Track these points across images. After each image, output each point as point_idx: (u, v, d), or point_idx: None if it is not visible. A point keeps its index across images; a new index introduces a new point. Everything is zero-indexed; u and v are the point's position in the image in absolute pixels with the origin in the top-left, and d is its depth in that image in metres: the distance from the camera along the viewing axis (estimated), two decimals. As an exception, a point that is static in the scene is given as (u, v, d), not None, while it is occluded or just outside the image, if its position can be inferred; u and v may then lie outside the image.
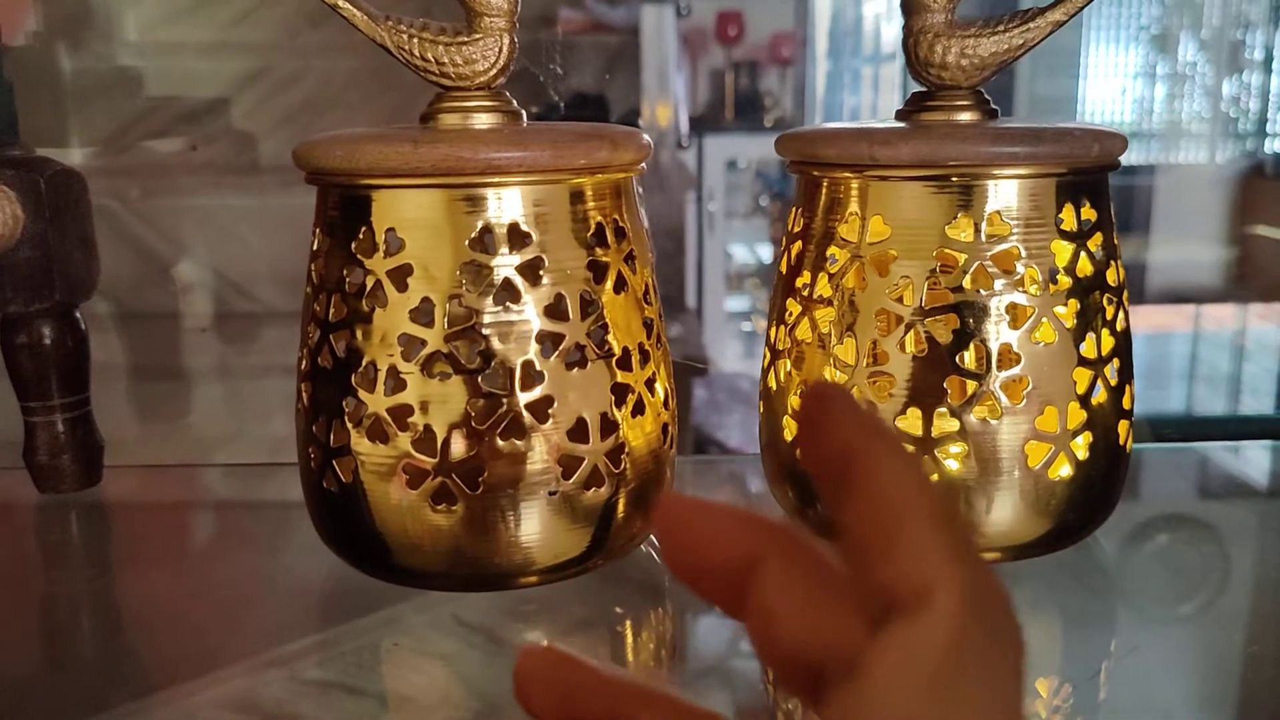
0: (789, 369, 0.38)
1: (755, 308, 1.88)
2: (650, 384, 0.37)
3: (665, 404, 0.38)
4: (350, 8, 0.36)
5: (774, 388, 0.39)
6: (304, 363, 0.36)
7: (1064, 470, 0.36)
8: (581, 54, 1.73)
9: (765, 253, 1.91)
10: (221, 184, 1.27)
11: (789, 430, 0.38)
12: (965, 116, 0.37)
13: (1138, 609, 0.38)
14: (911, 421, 0.35)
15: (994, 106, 0.38)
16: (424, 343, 0.33)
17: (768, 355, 0.40)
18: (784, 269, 0.39)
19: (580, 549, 0.36)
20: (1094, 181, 0.36)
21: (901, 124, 0.37)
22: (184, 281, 1.24)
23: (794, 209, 0.39)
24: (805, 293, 0.37)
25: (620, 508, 0.36)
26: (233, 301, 1.15)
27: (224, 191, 1.20)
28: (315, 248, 0.36)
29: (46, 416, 0.45)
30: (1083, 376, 0.35)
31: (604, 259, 0.35)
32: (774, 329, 0.39)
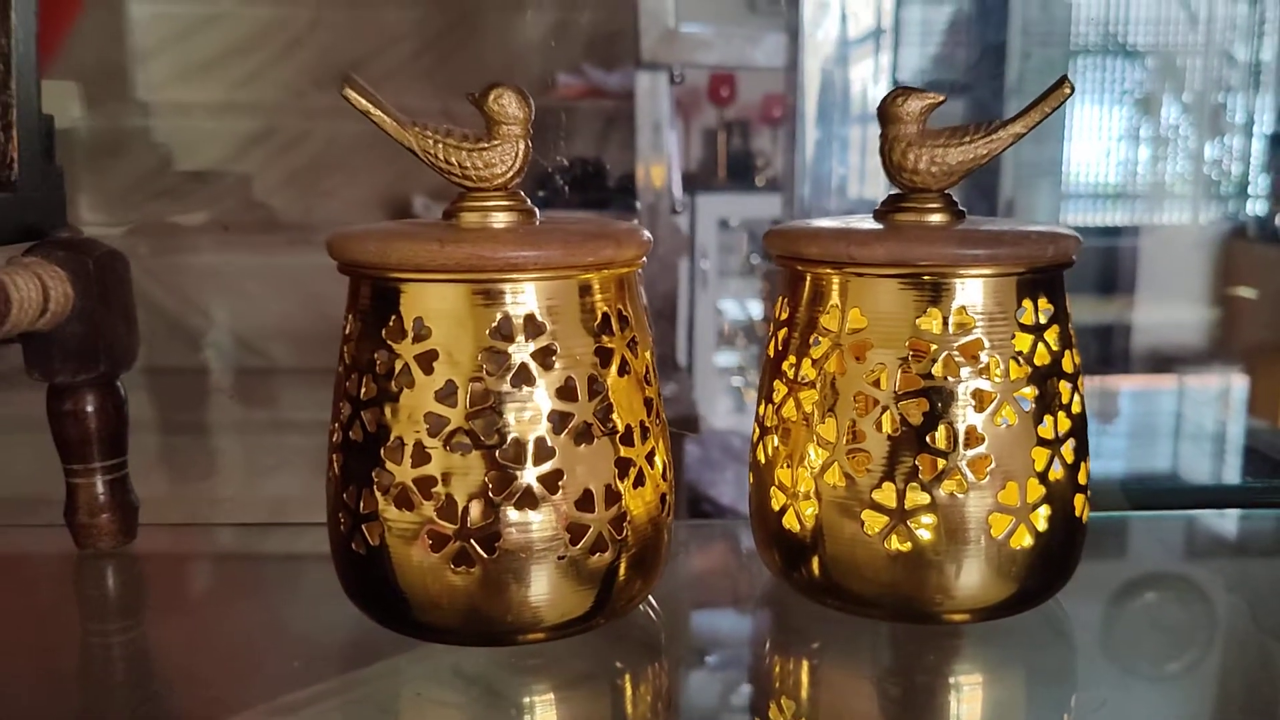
0: (776, 444, 0.42)
1: (744, 363, 1.92)
2: (650, 457, 0.40)
3: (664, 475, 0.41)
4: (380, 114, 0.40)
5: (763, 461, 0.43)
6: (335, 435, 0.40)
7: (1025, 540, 0.39)
8: (580, 118, 1.79)
9: (756, 309, 1.95)
10: (230, 242, 1.31)
11: (775, 500, 0.42)
12: (935, 218, 0.41)
13: (1096, 665, 0.42)
14: (887, 494, 0.39)
15: (962, 209, 0.42)
16: (447, 420, 0.37)
17: (757, 430, 0.43)
18: (771, 352, 0.42)
19: (585, 609, 0.40)
20: (1050, 279, 0.40)
21: (877, 224, 0.41)
22: (197, 339, 1.28)
23: (780, 298, 0.43)
24: (791, 375, 0.41)
25: (622, 571, 0.40)
26: (243, 358, 1.19)
27: (233, 250, 1.24)
28: (348, 332, 0.39)
29: (88, 479, 0.48)
30: (1041, 455, 0.39)
31: (609, 345, 0.39)
32: (762, 406, 0.43)
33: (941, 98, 0.41)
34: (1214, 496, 0.88)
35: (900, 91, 0.41)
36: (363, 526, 0.39)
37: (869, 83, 2.09)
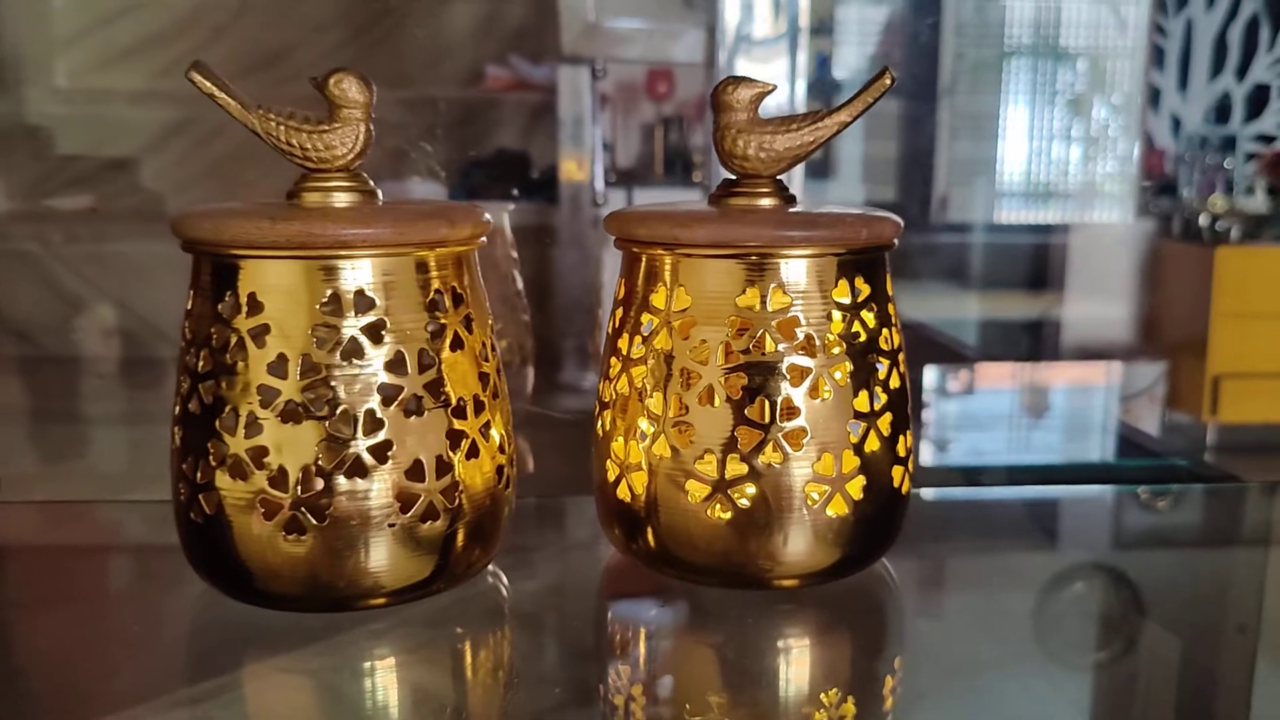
0: (612, 418, 0.43)
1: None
2: (485, 430, 0.42)
3: (501, 449, 0.43)
4: (225, 97, 0.41)
5: (600, 435, 0.44)
6: (177, 408, 0.41)
7: (842, 509, 0.41)
8: (505, 111, 1.80)
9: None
10: (148, 231, 1.30)
11: (610, 472, 0.44)
12: (765, 202, 0.43)
13: (920, 631, 0.44)
14: (708, 465, 0.41)
15: (792, 194, 0.43)
16: (279, 392, 0.38)
17: (596, 406, 0.45)
18: (610, 330, 0.44)
19: (423, 575, 0.41)
20: (869, 260, 0.42)
21: (708, 207, 0.43)
22: (104, 326, 1.28)
23: (620, 279, 0.44)
24: (625, 351, 0.43)
25: (459, 539, 0.41)
26: (154, 346, 1.19)
27: (148, 239, 1.23)
28: (189, 308, 0.40)
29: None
30: (856, 428, 0.41)
31: (442, 321, 0.40)
32: (601, 384, 0.45)
33: (771, 86, 0.43)
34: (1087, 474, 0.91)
35: (731, 80, 0.43)
36: (200, 496, 0.40)
37: (791, 80, 2.11)
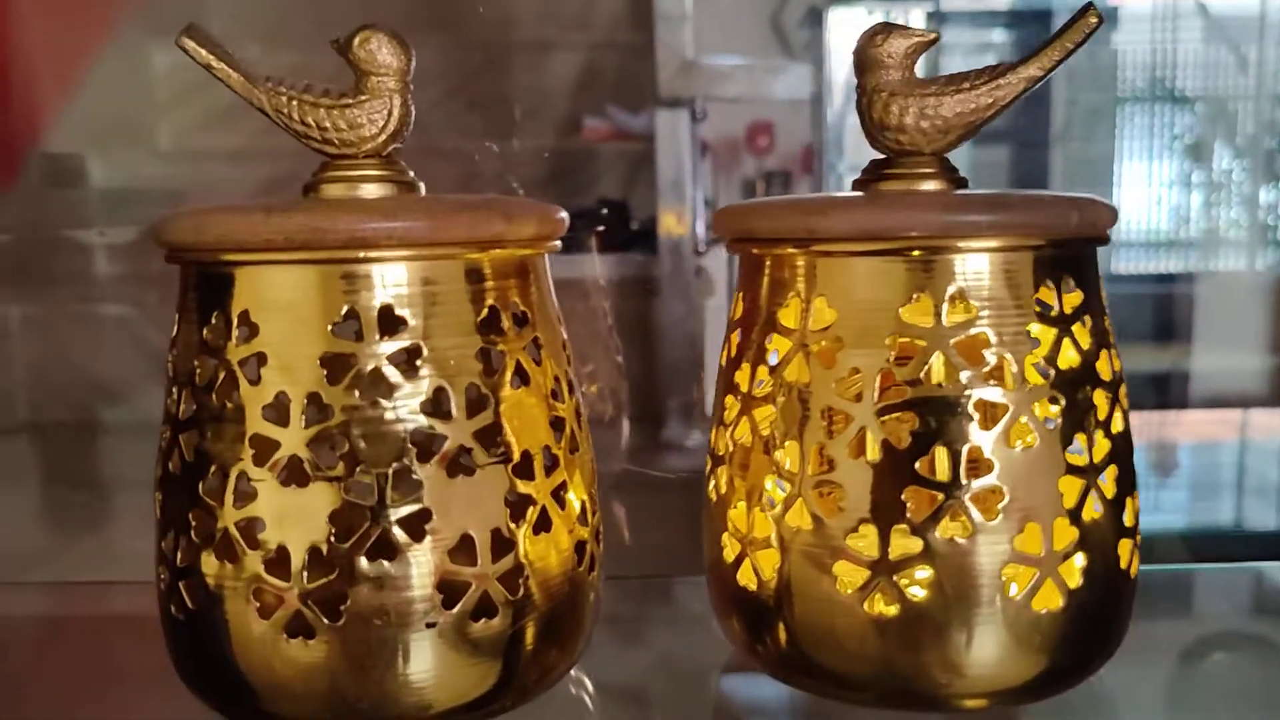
0: (729, 477, 0.32)
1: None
2: (559, 494, 0.31)
3: (582, 519, 0.32)
4: (224, 67, 0.32)
5: (713, 500, 0.33)
6: (158, 468, 0.31)
7: (1054, 600, 0.29)
8: (605, 161, 1.72)
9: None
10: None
11: (729, 550, 0.33)
12: (928, 185, 0.32)
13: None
14: (866, 540, 0.29)
15: (963, 176, 0.32)
16: (277, 444, 0.28)
17: (709, 462, 0.34)
18: (724, 362, 0.33)
19: (482, 689, 0.30)
20: (1078, 256, 0.30)
21: (853, 193, 0.32)
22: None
23: (736, 294, 0.34)
24: (745, 388, 0.32)
25: (527, 640, 0.31)
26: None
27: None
28: (173, 334, 0.31)
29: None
30: (1071, 487, 0.29)
31: (498, 347, 0.30)
32: (714, 431, 0.34)
33: (934, 35, 0.32)
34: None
35: (881, 29, 0.32)
36: (180, 584, 0.30)
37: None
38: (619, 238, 1.60)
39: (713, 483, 0.34)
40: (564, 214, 0.33)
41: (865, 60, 0.32)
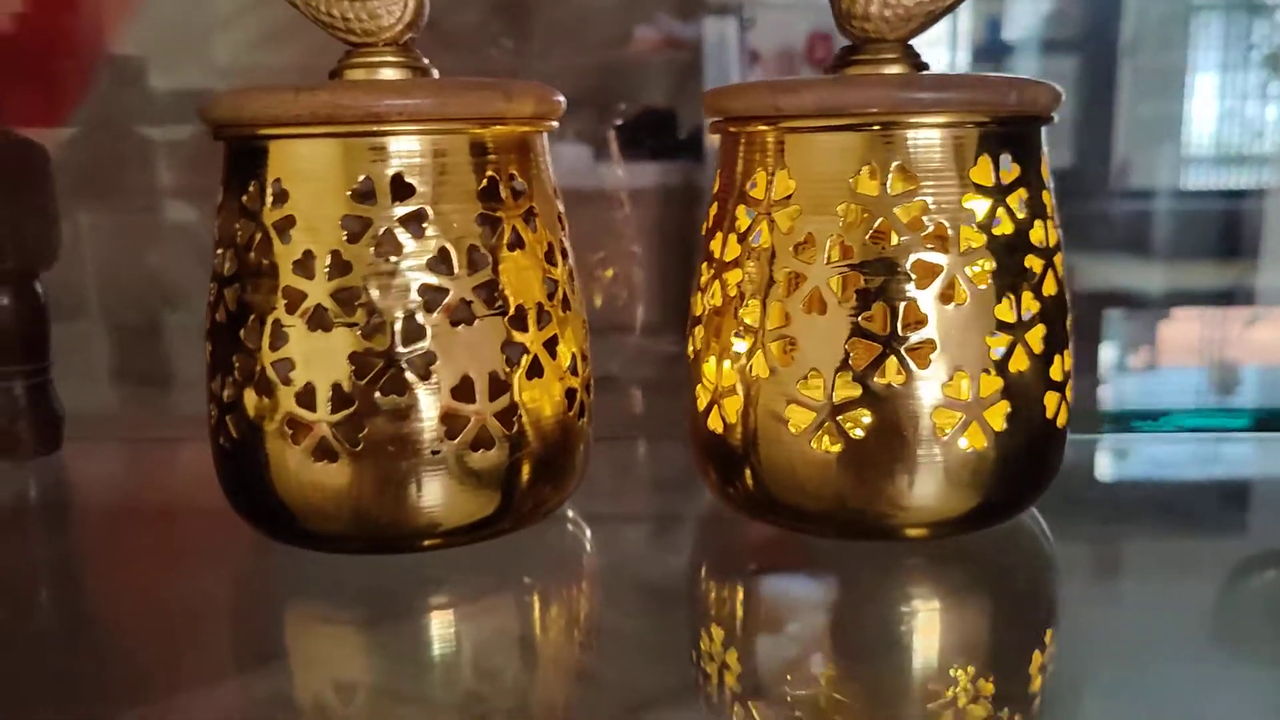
0: (703, 334, 0.37)
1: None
2: (551, 345, 0.35)
3: (573, 370, 0.37)
4: (262, -34, 0.36)
5: (690, 356, 0.38)
6: (207, 319, 0.36)
7: (979, 441, 0.33)
8: (654, 70, 1.74)
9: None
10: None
11: (701, 398, 0.37)
12: (891, 70, 0.35)
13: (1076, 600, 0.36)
14: (814, 387, 0.33)
15: (924, 62, 0.36)
16: (305, 295, 0.33)
17: (688, 323, 0.38)
18: (703, 232, 0.37)
19: (483, 513, 0.35)
20: (1017, 134, 0.34)
21: (820, 75, 0.35)
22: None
23: (716, 170, 0.37)
24: (717, 255, 0.36)
25: (522, 472, 0.35)
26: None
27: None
28: (218, 203, 0.36)
29: (4, 383, 0.46)
30: (999, 342, 0.33)
31: (497, 214, 0.34)
32: (693, 296, 0.38)
33: (899, -66, 0.35)
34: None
35: (850, -79, 0.35)
36: (227, 418, 0.35)
37: (952, 47, 1.98)
38: (666, 146, 1.62)
39: (690, 341, 0.38)
40: (560, 96, 0.36)
41: (835, -47, 0.35)
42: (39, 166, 0.46)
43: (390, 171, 0.33)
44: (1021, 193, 0.34)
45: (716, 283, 0.36)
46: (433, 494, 0.34)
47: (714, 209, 0.37)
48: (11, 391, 0.46)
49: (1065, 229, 0.36)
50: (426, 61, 0.36)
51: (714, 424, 0.36)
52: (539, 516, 0.37)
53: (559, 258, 0.36)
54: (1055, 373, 0.35)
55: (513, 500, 0.35)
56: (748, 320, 0.35)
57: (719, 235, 0.36)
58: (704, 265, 0.37)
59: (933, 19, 0.35)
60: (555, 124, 0.36)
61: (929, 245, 0.33)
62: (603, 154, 1.50)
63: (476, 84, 0.33)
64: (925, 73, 0.34)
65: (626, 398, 0.62)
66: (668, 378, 0.64)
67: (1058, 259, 0.35)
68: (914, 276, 0.32)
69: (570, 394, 0.36)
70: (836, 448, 0.33)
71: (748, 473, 0.36)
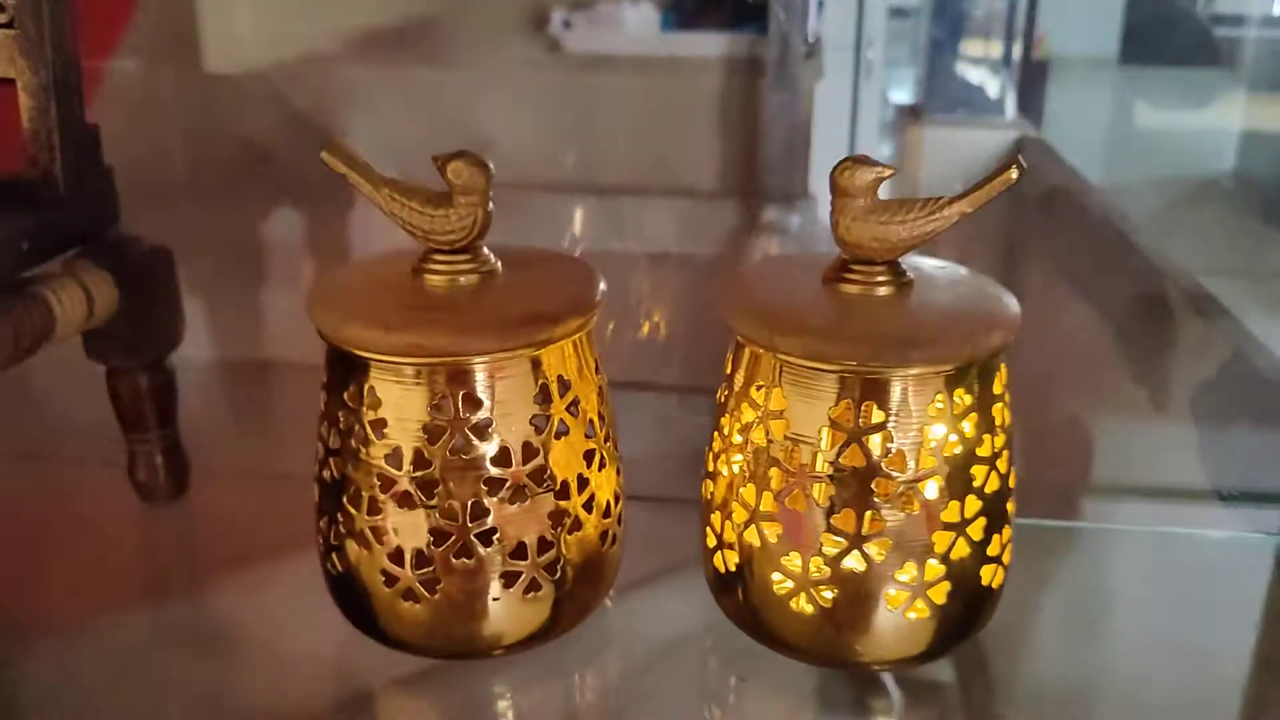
0: (712, 490, 0.45)
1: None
2: (589, 504, 0.44)
3: (605, 513, 0.46)
4: (357, 177, 0.43)
5: (705, 497, 0.46)
6: (315, 469, 0.45)
7: (924, 612, 0.42)
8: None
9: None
10: (368, 57, 1.32)
11: (709, 539, 0.46)
12: (882, 291, 0.42)
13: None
14: (793, 562, 0.42)
15: (908, 278, 0.43)
16: (395, 480, 0.42)
17: (705, 471, 0.46)
18: (718, 402, 0.45)
19: (534, 629, 0.45)
20: (971, 373, 0.41)
21: (815, 297, 0.42)
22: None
23: (729, 355, 0.45)
24: (726, 433, 0.44)
25: (564, 600, 0.45)
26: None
27: (371, 66, 1.27)
28: (324, 381, 0.44)
29: (144, 446, 0.56)
30: (943, 539, 0.41)
31: (548, 413, 0.42)
32: (708, 455, 0.46)
33: (892, 170, 0.42)
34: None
35: (849, 163, 0.42)
36: (333, 554, 0.44)
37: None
38: (730, 16, 1.63)
39: (706, 485, 0.46)
40: (603, 286, 0.44)
41: (835, 187, 0.42)
42: (167, 268, 0.54)
43: (462, 391, 0.41)
44: (972, 417, 0.41)
45: (723, 456, 0.44)
46: (493, 624, 0.44)
47: (725, 391, 0.45)
48: (151, 454, 0.56)
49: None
50: (493, 259, 0.44)
51: (718, 564, 0.45)
52: (581, 620, 0.47)
53: (598, 426, 0.45)
54: (993, 549, 0.43)
55: (558, 618, 0.45)
56: (746, 498, 0.43)
57: (728, 418, 0.44)
58: (715, 434, 0.45)
59: (914, 247, 0.42)
60: (595, 319, 0.44)
61: (891, 467, 0.41)
62: (669, 21, 1.53)
63: (529, 318, 0.41)
64: (896, 328, 0.41)
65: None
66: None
67: (1002, 459, 0.43)
68: (875, 491, 0.41)
69: (604, 534, 0.46)
70: (810, 609, 0.43)
71: (743, 604, 0.45)
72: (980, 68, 1.56)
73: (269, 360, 0.93)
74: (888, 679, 0.46)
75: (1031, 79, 1.68)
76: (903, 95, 1.63)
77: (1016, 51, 1.59)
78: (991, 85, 1.53)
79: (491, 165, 0.43)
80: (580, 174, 1.29)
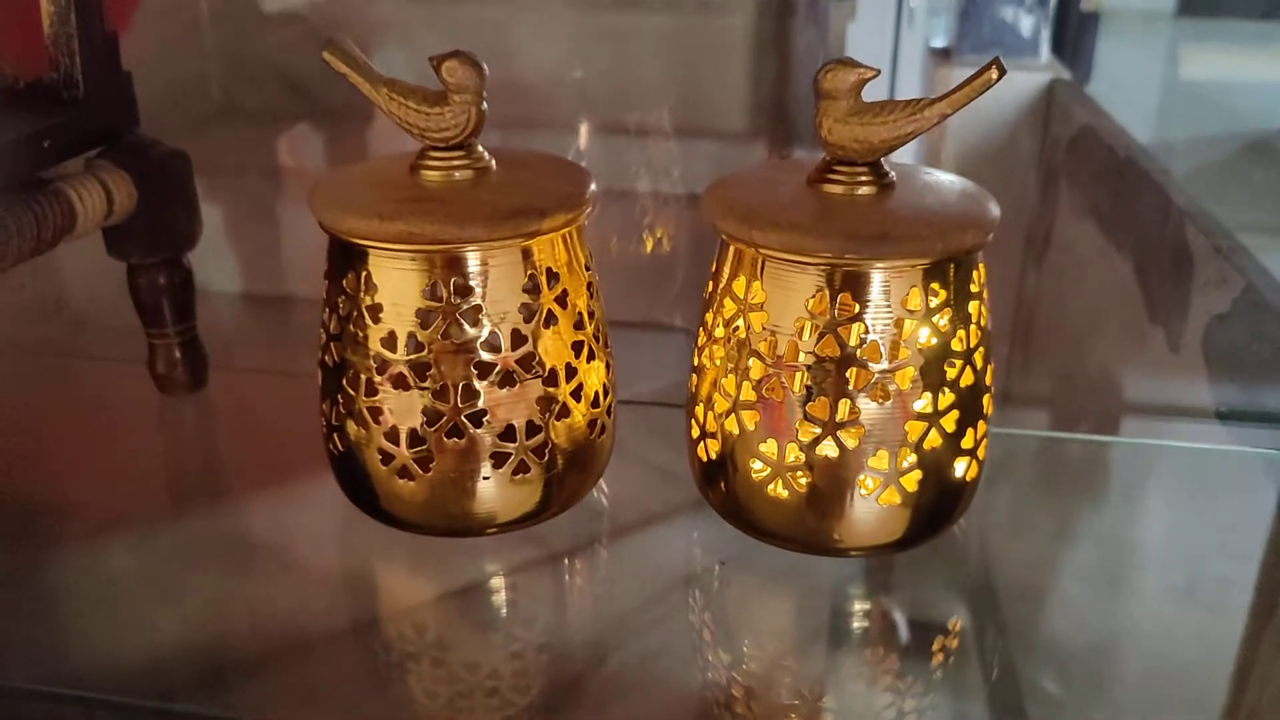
0: (696, 383, 0.47)
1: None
2: (577, 393, 0.46)
3: (595, 404, 0.47)
4: (357, 76, 0.45)
5: (690, 391, 0.48)
6: (319, 354, 0.47)
7: (894, 499, 0.44)
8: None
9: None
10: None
11: (693, 430, 0.47)
12: (864, 190, 0.44)
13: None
14: (770, 448, 0.44)
15: (890, 179, 0.44)
16: (390, 363, 0.44)
17: (692, 366, 0.48)
18: (704, 297, 0.47)
19: (528, 509, 0.47)
20: (945, 268, 0.42)
21: (797, 194, 0.44)
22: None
23: (717, 252, 0.46)
24: (710, 328, 0.46)
25: (555, 483, 0.47)
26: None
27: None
28: (325, 269, 0.46)
29: (163, 340, 0.58)
30: (915, 428, 0.43)
31: (536, 302, 0.44)
32: (694, 348, 0.48)
33: (875, 71, 0.43)
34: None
35: (832, 65, 0.43)
36: (334, 435, 0.47)
37: None
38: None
39: (691, 379, 0.48)
40: (592, 186, 0.46)
41: (819, 90, 0.43)
42: (184, 170, 0.56)
43: (453, 278, 0.43)
44: (946, 311, 0.42)
45: (708, 350, 0.46)
46: (484, 503, 0.46)
47: (711, 286, 0.46)
48: (170, 348, 0.58)
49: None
50: (488, 157, 0.46)
51: (700, 453, 0.47)
52: (572, 504, 0.49)
53: (587, 320, 0.47)
54: (966, 443, 0.44)
55: (549, 500, 0.47)
56: (727, 389, 0.45)
57: (711, 313, 0.46)
58: (700, 330, 0.47)
59: (895, 148, 0.43)
60: (587, 218, 0.46)
61: (864, 356, 0.42)
62: (698, -37, 1.53)
63: (517, 210, 0.43)
64: (867, 224, 0.42)
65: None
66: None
67: (978, 354, 0.44)
68: (849, 380, 0.42)
69: (592, 423, 0.47)
70: (785, 494, 0.44)
71: (725, 493, 0.47)
72: (1015, 8, 1.54)
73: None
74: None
75: (1079, 29, 1.66)
76: (938, 40, 1.62)
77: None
78: (1026, 24, 1.52)
79: (485, 65, 0.44)
80: (610, 112, 1.31)
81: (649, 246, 0.97)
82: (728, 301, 0.45)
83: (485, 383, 0.44)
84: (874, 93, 0.44)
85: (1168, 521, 0.55)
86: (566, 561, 0.50)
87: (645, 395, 0.57)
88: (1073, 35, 1.60)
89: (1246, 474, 0.59)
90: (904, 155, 0.46)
